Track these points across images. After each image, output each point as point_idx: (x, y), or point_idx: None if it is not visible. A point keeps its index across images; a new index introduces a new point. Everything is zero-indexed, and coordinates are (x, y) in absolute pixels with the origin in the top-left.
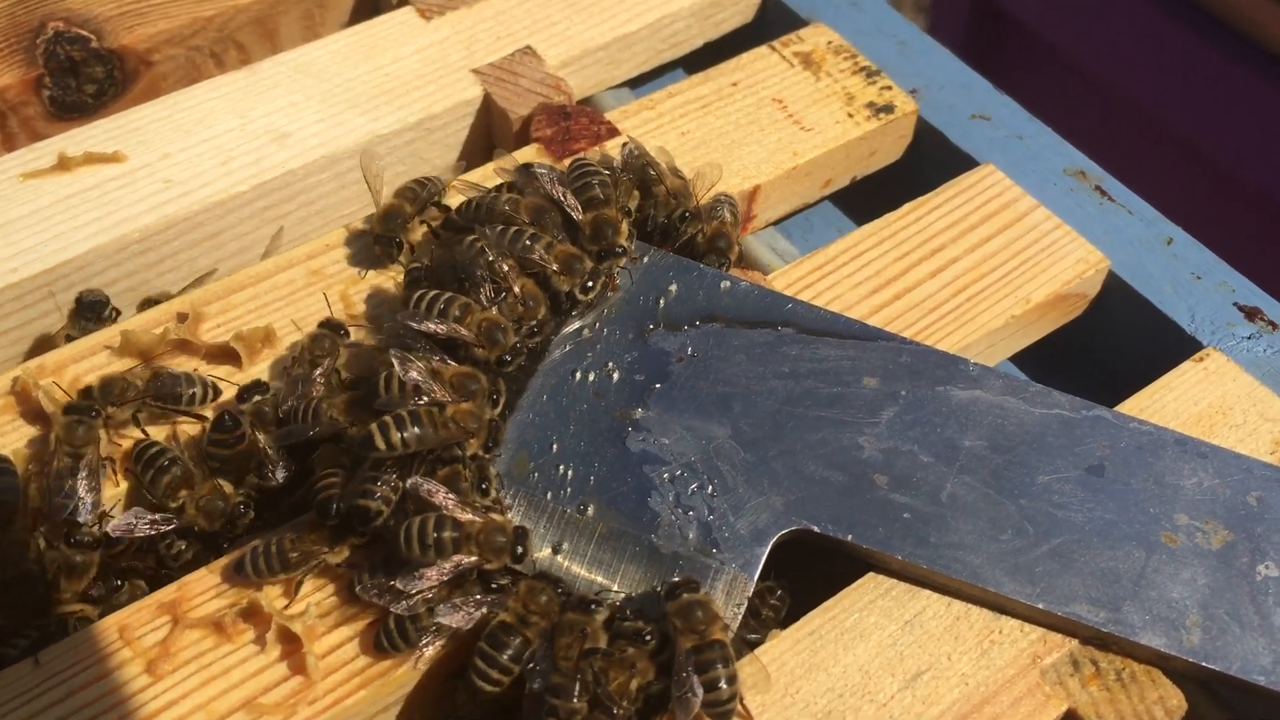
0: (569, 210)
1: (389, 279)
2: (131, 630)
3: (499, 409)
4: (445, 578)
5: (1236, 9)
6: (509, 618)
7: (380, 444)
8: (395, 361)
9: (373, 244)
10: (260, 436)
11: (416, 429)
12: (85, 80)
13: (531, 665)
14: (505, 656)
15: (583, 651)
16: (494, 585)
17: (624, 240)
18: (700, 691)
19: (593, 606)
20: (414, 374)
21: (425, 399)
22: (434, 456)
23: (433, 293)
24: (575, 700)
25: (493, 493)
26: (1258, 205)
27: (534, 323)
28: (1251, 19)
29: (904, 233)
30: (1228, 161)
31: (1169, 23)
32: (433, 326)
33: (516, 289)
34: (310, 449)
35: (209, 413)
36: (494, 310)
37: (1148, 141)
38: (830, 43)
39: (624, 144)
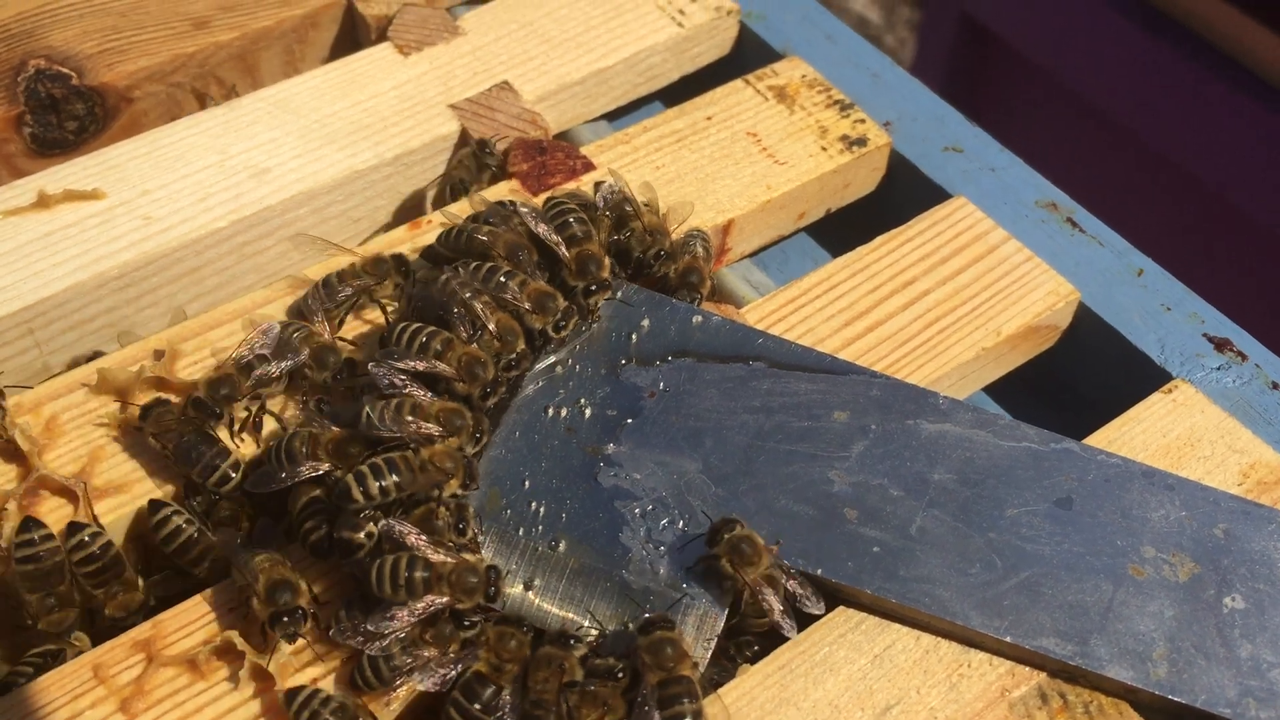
0: (553, 247)
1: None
2: (106, 668)
3: (481, 446)
4: (417, 618)
5: (1222, 31)
6: (483, 667)
7: (357, 495)
8: (370, 411)
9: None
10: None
11: (395, 476)
12: (66, 117)
13: (499, 715)
14: (477, 707)
15: (561, 685)
16: (467, 623)
17: (607, 273)
18: None
19: (571, 641)
20: (389, 420)
21: (411, 426)
22: (412, 499)
23: (414, 326)
24: None
25: (470, 532)
26: (1241, 227)
27: (512, 357)
28: (1239, 40)
29: (876, 265)
30: (1213, 182)
31: (1152, 42)
32: (412, 363)
33: (491, 325)
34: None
35: None
36: (474, 345)
37: (1130, 159)
38: (804, 76)
39: (600, 181)
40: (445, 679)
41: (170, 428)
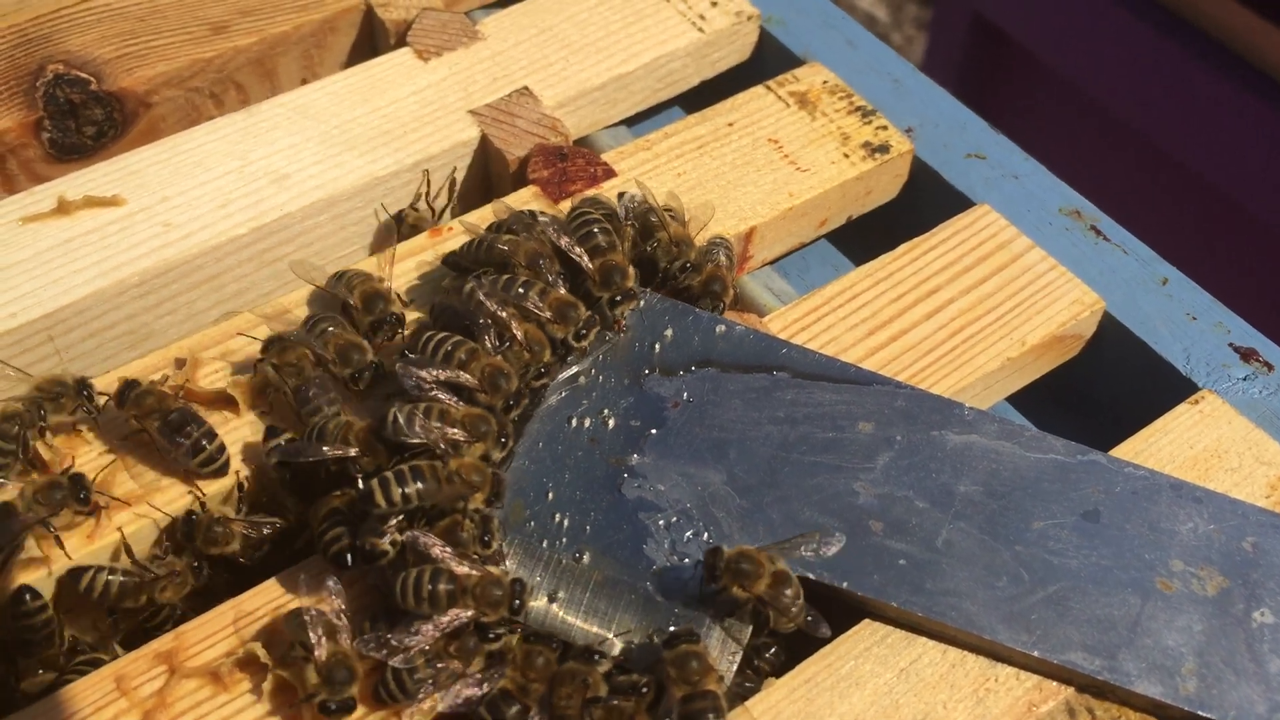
0: (576, 258)
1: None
2: (128, 680)
3: (507, 452)
4: (441, 631)
5: (1236, 33)
6: (510, 685)
7: (380, 500)
8: (398, 414)
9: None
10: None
11: (419, 484)
12: (84, 122)
13: None
14: None
15: (585, 701)
16: (491, 636)
17: (632, 283)
18: None
19: (596, 657)
20: (417, 425)
21: (437, 431)
22: (436, 510)
23: (440, 335)
24: None
25: (494, 545)
26: (1247, 226)
27: (539, 368)
28: (1250, 43)
29: (900, 274)
30: (1219, 181)
31: (1163, 43)
32: (435, 373)
33: (519, 335)
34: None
35: None
36: (499, 356)
37: (1144, 160)
38: (826, 82)
39: (624, 192)
40: (470, 700)
41: (152, 409)
